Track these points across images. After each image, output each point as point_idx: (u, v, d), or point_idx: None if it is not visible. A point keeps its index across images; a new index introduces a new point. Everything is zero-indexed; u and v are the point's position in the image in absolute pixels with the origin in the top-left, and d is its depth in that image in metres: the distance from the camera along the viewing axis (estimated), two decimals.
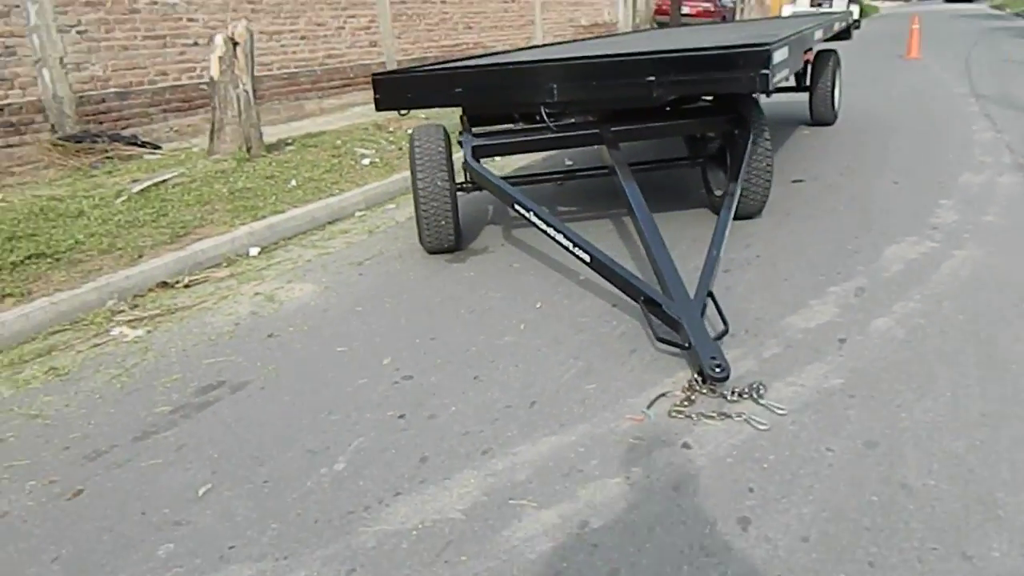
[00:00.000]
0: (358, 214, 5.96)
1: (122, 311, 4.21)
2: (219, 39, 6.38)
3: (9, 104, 7.08)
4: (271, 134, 8.52)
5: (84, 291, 4.28)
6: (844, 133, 7.54)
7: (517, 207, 3.86)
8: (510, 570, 1.95)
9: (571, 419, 2.64)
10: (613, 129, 4.15)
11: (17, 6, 7.08)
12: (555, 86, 4.12)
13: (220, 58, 6.38)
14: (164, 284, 4.59)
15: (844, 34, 8.38)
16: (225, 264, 4.91)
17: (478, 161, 4.10)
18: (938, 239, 4.21)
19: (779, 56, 3.88)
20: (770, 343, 3.10)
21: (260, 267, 4.81)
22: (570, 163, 7.14)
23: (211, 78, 6.58)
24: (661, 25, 21.02)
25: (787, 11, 30.17)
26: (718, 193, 4.71)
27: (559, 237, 3.58)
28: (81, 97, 7.68)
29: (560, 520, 2.12)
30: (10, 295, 4.13)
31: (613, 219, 5.02)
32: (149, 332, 3.87)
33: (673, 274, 3.19)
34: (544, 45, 9.79)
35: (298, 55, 10.29)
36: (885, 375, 2.77)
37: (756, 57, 3.72)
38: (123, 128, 8.05)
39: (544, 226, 3.66)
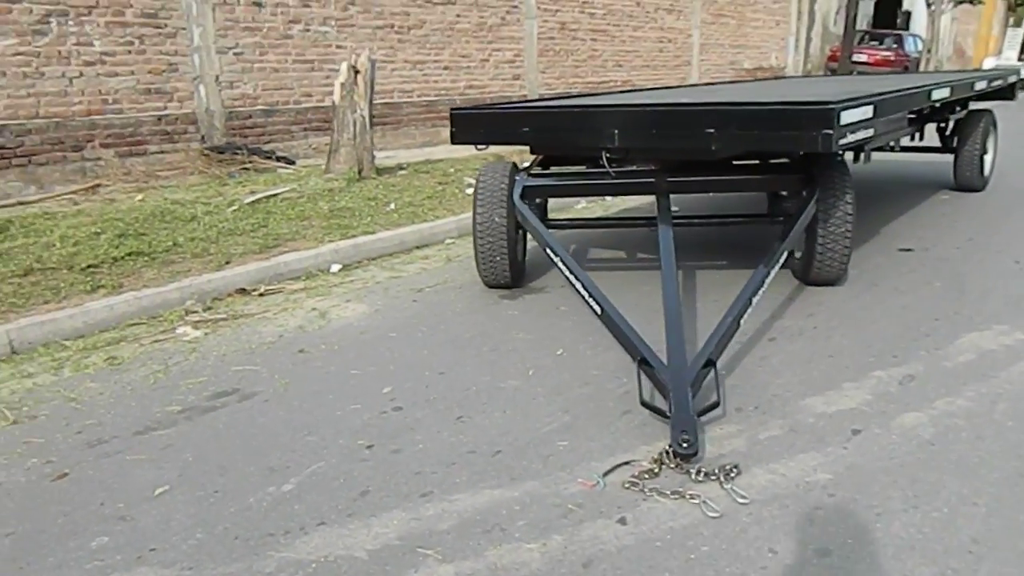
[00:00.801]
0: (448, 241, 6.10)
1: (195, 312, 4.54)
2: (344, 67, 6.79)
3: (167, 115, 7.88)
4: (401, 158, 8.95)
5: (167, 290, 4.67)
6: (988, 202, 6.85)
7: (547, 250, 3.81)
8: None
9: (525, 474, 2.56)
10: (669, 179, 4.01)
11: (183, 28, 7.88)
12: (616, 132, 4.05)
13: (342, 84, 6.78)
14: (242, 291, 4.91)
15: (1007, 92, 7.64)
16: (304, 278, 5.18)
17: (527, 201, 4.08)
18: None
19: (852, 116, 3.61)
20: (774, 424, 2.86)
21: (333, 284, 5.03)
22: (676, 209, 6.96)
23: (333, 103, 7.00)
24: (833, 72, 20.06)
25: (989, 64, 27.89)
26: (797, 255, 4.43)
27: (578, 285, 3.51)
28: (231, 112, 8.40)
29: None
30: (103, 287, 4.57)
31: (685, 272, 4.85)
32: (206, 334, 4.15)
33: (676, 336, 3.03)
34: (672, 87, 9.62)
35: (439, 84, 10.72)
36: (882, 477, 2.48)
37: (820, 116, 3.48)
38: (266, 143, 8.72)
39: (567, 272, 3.60)
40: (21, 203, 6.63)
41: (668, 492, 2.40)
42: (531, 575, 2.06)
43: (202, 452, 2.81)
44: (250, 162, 8.18)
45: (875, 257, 5.12)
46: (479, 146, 4.76)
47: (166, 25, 7.76)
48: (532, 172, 4.29)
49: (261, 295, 4.87)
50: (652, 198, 4.15)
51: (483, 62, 11.38)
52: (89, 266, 4.76)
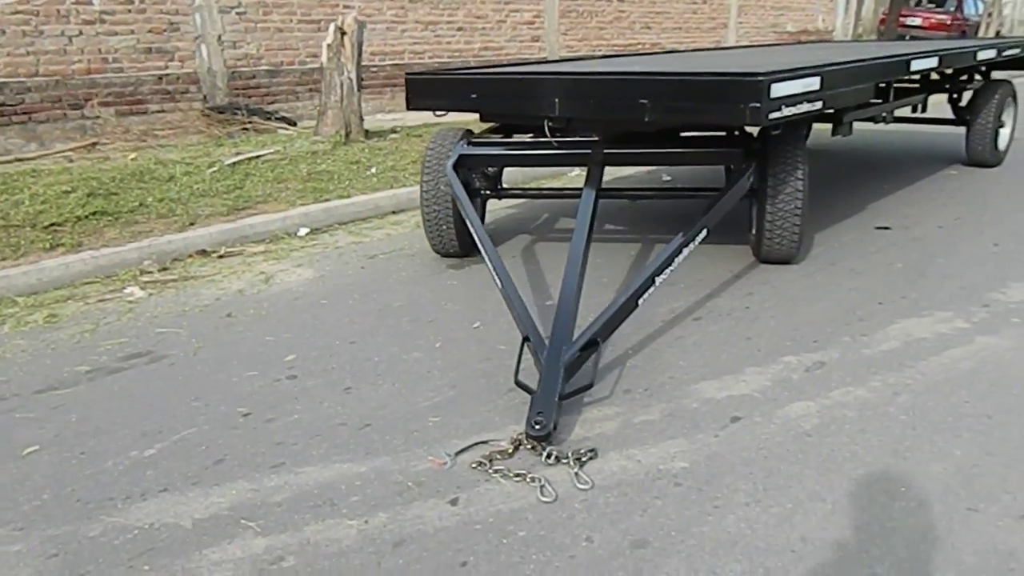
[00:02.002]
0: None
1: (150, 272, 4.62)
2: (331, 28, 6.75)
3: (168, 74, 7.96)
4: (408, 120, 8.87)
5: (126, 249, 4.76)
6: (998, 179, 6.50)
7: (466, 220, 3.76)
8: None
9: (382, 449, 2.56)
10: (605, 151, 3.89)
11: None
12: (557, 100, 3.93)
13: (328, 46, 6.74)
14: (203, 252, 4.97)
15: None
16: (268, 241, 5.23)
17: (468, 169, 3.98)
18: (976, 320, 3.54)
19: (786, 88, 3.43)
20: (655, 408, 2.78)
21: (294, 248, 5.06)
22: (667, 179, 6.80)
23: (321, 64, 6.97)
24: (883, 35, 19.18)
25: None
26: (753, 232, 4.28)
27: (486, 259, 3.44)
28: (233, 72, 8.45)
29: (263, 551, 2.07)
30: (62, 245, 4.68)
31: (646, 245, 4.74)
32: (150, 295, 4.22)
33: (566, 314, 2.95)
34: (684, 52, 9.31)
35: (452, 46, 10.60)
36: (740, 469, 2.40)
37: (747, 88, 3.32)
38: (270, 104, 8.76)
39: (478, 243, 3.54)
40: (19, 159, 6.81)
41: (512, 474, 2.36)
42: (339, 552, 2.06)
43: (88, 413, 2.87)
44: (250, 123, 8.24)
45: (846, 234, 4.92)
46: (436, 113, 4.68)
47: None
48: (473, 140, 4.20)
49: (220, 257, 4.92)
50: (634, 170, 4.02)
51: (499, 23, 11.19)
52: (52, 224, 4.87)
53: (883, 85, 4.64)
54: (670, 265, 3.25)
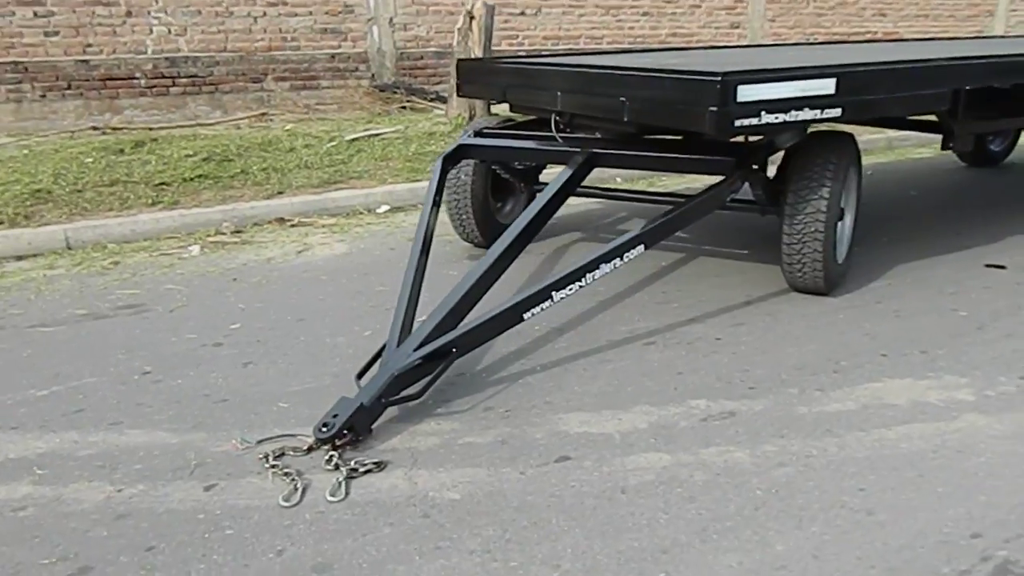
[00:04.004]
0: None
1: (222, 234, 5.11)
2: (464, 13, 6.88)
3: (340, 53, 8.61)
4: None
5: (211, 211, 5.29)
6: None
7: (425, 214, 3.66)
8: None
9: (209, 425, 2.64)
10: (594, 150, 3.57)
11: None
12: (559, 94, 3.72)
13: (459, 30, 6.87)
14: (280, 220, 5.39)
15: None
16: (346, 215, 5.53)
17: (449, 162, 3.85)
18: (991, 393, 2.81)
19: (762, 92, 2.93)
20: (492, 432, 2.57)
21: (360, 224, 5.31)
22: (870, 172, 6.23)
23: (451, 47, 7.13)
24: None
25: None
26: None
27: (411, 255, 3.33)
28: (402, 53, 8.92)
29: (19, 498, 2.25)
30: (161, 202, 5.31)
31: (662, 252, 4.35)
32: (204, 253, 4.68)
33: (436, 316, 2.80)
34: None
35: (635, 31, 10.27)
36: (506, 513, 2.16)
37: (706, 89, 2.89)
38: (436, 84, 9.14)
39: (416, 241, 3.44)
40: (200, 124, 7.78)
41: (282, 472, 2.33)
42: (72, 513, 2.18)
43: (39, 351, 3.27)
44: (409, 101, 8.66)
45: (936, 269, 4.12)
46: (494, 101, 4.62)
47: None
48: (481, 131, 4.08)
49: (293, 226, 5.30)
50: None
51: (693, 8, 10.62)
52: (161, 183, 5.54)
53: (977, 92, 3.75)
54: (578, 281, 2.94)
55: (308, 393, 2.86)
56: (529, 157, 3.95)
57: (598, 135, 3.83)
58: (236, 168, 5.89)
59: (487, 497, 2.23)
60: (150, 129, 7.31)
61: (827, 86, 3.07)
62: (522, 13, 9.48)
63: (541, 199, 3.36)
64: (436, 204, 3.49)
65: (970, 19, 13.30)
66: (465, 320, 2.88)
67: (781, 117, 3.00)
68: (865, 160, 7.56)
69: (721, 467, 2.37)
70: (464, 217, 4.39)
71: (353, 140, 6.75)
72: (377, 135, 6.92)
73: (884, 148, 7.92)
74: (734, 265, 4.22)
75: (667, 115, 3.14)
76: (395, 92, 8.67)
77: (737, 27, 11.06)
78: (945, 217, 5.21)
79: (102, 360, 3.17)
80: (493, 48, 8.92)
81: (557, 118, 3.87)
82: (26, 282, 4.13)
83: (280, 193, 5.63)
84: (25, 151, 6.41)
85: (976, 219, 5.10)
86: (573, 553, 2.00)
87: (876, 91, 3.27)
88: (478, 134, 4.05)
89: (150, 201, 5.31)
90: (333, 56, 8.59)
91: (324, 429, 2.40)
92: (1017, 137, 6.81)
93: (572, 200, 5.45)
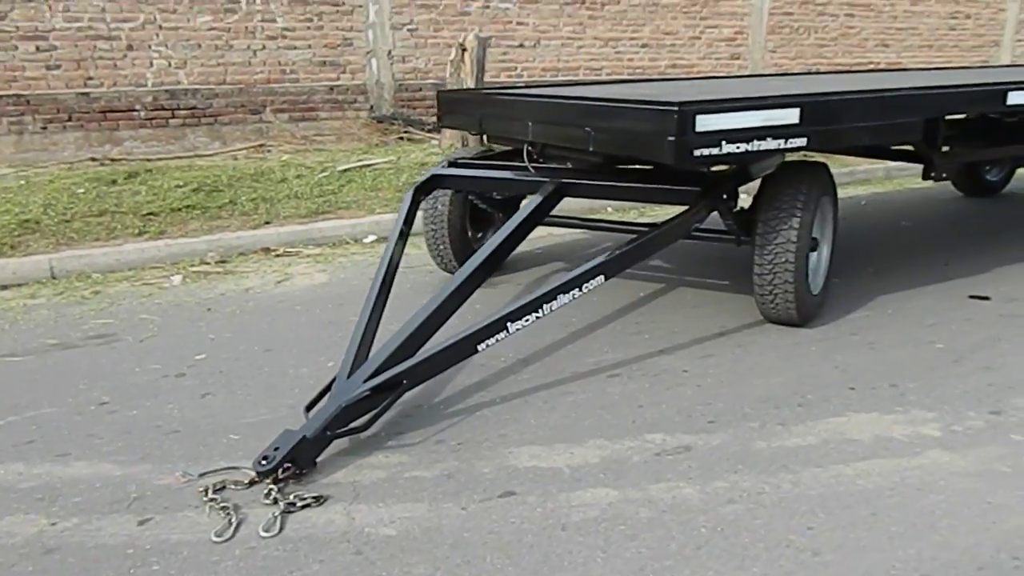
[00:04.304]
0: None
1: (206, 264, 5.12)
2: (456, 46, 6.94)
3: (339, 85, 8.69)
4: None
5: (197, 241, 5.32)
6: None
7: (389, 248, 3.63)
8: None
9: (156, 457, 2.61)
10: (563, 180, 3.55)
11: (360, 6, 8.60)
12: (530, 124, 3.71)
13: (451, 62, 6.93)
14: (266, 250, 5.40)
15: None
16: (332, 244, 5.53)
17: (420, 193, 3.85)
18: (958, 428, 2.73)
19: (723, 122, 2.91)
20: (440, 466, 2.53)
21: (344, 254, 5.31)
22: (863, 203, 6.27)
23: (444, 80, 7.18)
24: None
25: None
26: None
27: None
28: (400, 84, 9.00)
29: None
30: (148, 232, 5.34)
31: (643, 282, 4.31)
32: (184, 283, 4.68)
33: (390, 346, 2.77)
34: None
35: (634, 63, 10.31)
36: (440, 550, 2.10)
37: (663, 118, 2.87)
38: (434, 115, 9.18)
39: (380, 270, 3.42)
40: (198, 155, 7.85)
41: (219, 506, 2.29)
42: (1, 547, 2.15)
43: (4, 381, 3.27)
44: (407, 132, 8.71)
45: (916, 301, 4.05)
46: (472, 132, 4.64)
47: (344, 3, 8.51)
48: (455, 161, 4.08)
49: (278, 256, 5.31)
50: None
51: (692, 40, 10.66)
52: (149, 213, 5.57)
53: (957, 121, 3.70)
54: (535, 311, 2.90)
55: (261, 425, 2.82)
56: (500, 187, 3.94)
57: (569, 165, 3.82)
58: (225, 198, 5.93)
59: (423, 533, 2.18)
60: (148, 160, 7.39)
61: (791, 116, 3.05)
62: (520, 45, 9.55)
63: (506, 228, 3.34)
64: (403, 235, 3.48)
65: (975, 49, 13.28)
66: (421, 350, 2.84)
67: (743, 147, 2.97)
68: (862, 190, 7.57)
69: (668, 504, 2.30)
70: (442, 247, 4.38)
71: (345, 171, 6.78)
72: (369, 165, 6.95)
73: (882, 178, 7.87)
74: (712, 296, 4.17)
75: (629, 145, 3.12)
76: (393, 123, 8.73)
77: (737, 58, 11.09)
78: (935, 248, 5.14)
79: (63, 390, 3.16)
80: (490, 80, 9.00)
81: (529, 148, 3.87)
82: (4, 311, 4.15)
83: (267, 223, 5.65)
84: (21, 182, 6.48)
85: (967, 250, 5.03)
86: None
87: (843, 120, 3.23)
88: (452, 164, 4.05)
89: (137, 231, 5.34)
90: (332, 88, 8.67)
91: (264, 462, 2.37)
92: (1015, 167, 6.74)
93: (558, 231, 5.46)
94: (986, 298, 4.06)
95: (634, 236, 3.24)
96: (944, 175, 4.08)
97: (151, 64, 7.85)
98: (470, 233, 4.46)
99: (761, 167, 3.72)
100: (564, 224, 4.26)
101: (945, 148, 4.12)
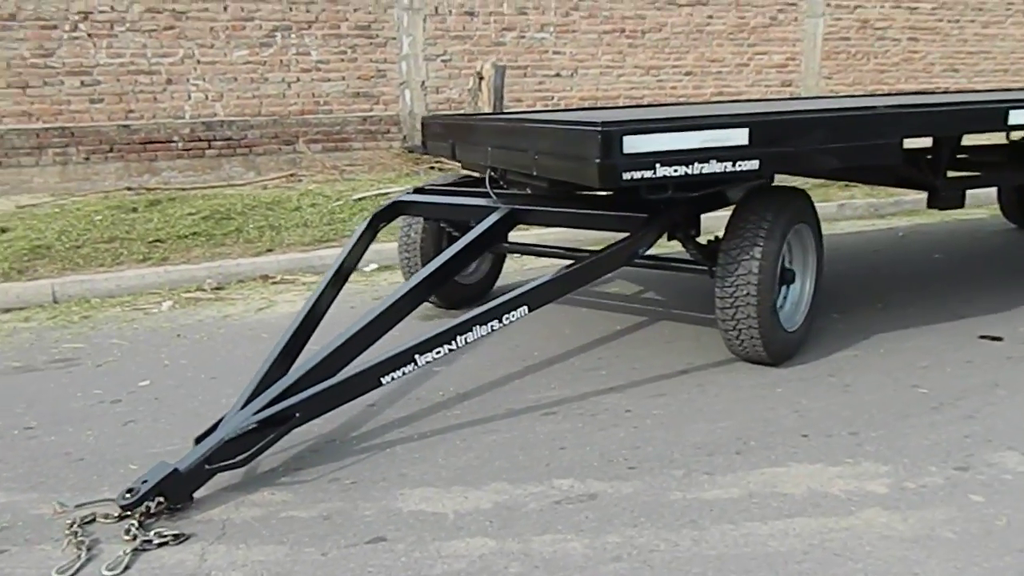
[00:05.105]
0: None
1: (201, 290, 5.17)
2: (474, 74, 6.90)
3: (372, 116, 8.79)
4: None
5: (197, 267, 5.38)
6: None
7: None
8: None
9: (54, 486, 2.55)
10: (515, 206, 3.38)
11: (394, 38, 8.70)
12: (489, 149, 3.58)
13: (468, 90, 6.89)
14: (265, 277, 5.42)
15: None
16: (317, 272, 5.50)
17: (379, 219, 3.76)
18: (913, 485, 2.41)
19: (665, 142, 2.70)
20: (324, 506, 2.38)
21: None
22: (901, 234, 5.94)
23: (463, 109, 7.13)
24: None
25: None
26: None
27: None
28: (434, 115, 9.02)
29: None
30: (151, 259, 5.44)
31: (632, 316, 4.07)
32: (172, 310, 4.72)
33: (294, 375, 2.64)
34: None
35: (677, 90, 10.07)
36: None
37: (589, 140, 2.68)
38: None
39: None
40: (231, 184, 8.03)
41: (77, 541, 2.20)
42: None
43: None
44: (438, 161, 8.70)
45: (914, 340, 3.68)
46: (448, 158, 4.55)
47: (378, 36, 8.63)
48: (421, 188, 3.97)
49: (275, 283, 5.31)
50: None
51: (740, 67, 10.34)
52: (155, 240, 5.68)
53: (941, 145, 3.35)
54: (447, 343, 2.73)
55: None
56: (457, 214, 3.80)
57: (528, 191, 3.66)
58: (232, 226, 5.99)
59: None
60: (183, 190, 7.58)
61: (738, 136, 2.81)
62: (557, 75, 9.46)
63: (447, 253, 3.20)
64: (339, 269, 3.38)
65: None
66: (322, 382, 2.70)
67: (682, 170, 2.75)
68: (905, 221, 7.09)
69: (545, 558, 2.09)
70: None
71: (359, 199, 6.79)
72: (385, 194, 6.93)
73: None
74: (691, 330, 3.91)
75: (563, 168, 2.94)
76: (425, 153, 8.73)
77: (789, 85, 10.70)
78: (959, 283, 4.71)
79: (13, 407, 3.17)
80: (525, 109, 8.93)
81: (492, 174, 3.73)
82: None
83: (269, 251, 5.67)
84: (55, 210, 6.73)
85: (994, 287, 4.58)
86: None
87: (802, 143, 2.96)
88: (418, 191, 3.95)
89: (141, 257, 5.44)
90: (365, 119, 8.77)
91: (128, 495, 2.27)
92: None
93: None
94: (998, 339, 3.66)
95: (568, 264, 3.04)
96: (952, 203, 3.72)
97: (189, 97, 8.11)
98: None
99: (736, 192, 3.47)
100: (522, 251, 4.10)
101: (954, 173, 3.77)
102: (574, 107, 9.12)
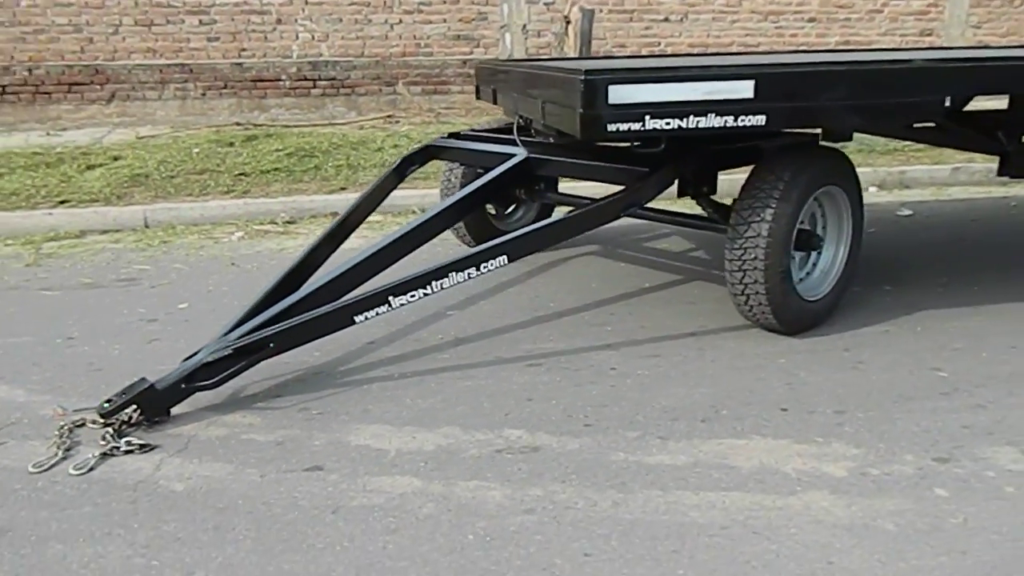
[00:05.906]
0: None
1: (274, 223, 5.46)
2: (561, 17, 6.76)
3: (471, 59, 8.80)
4: None
5: (273, 201, 5.68)
6: None
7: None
8: None
9: (65, 390, 2.83)
10: (533, 155, 3.32)
11: None
12: (516, 95, 3.55)
13: (555, 34, 6.76)
14: (334, 214, 5.64)
15: None
16: (396, 213, 5.68)
17: (409, 162, 3.79)
18: (877, 473, 2.26)
19: (655, 94, 2.58)
20: (281, 432, 2.51)
21: (401, 221, 5.41)
22: (909, 213, 5.33)
23: (549, 53, 7.00)
24: None
25: None
26: None
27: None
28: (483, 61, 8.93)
29: None
30: (234, 191, 5.79)
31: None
32: (240, 239, 5.04)
33: (283, 303, 2.76)
34: None
35: (797, 38, 9.45)
36: (200, 512, 2.10)
37: (572, 88, 2.59)
38: None
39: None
40: (333, 123, 8.34)
41: (59, 440, 2.43)
42: None
43: (15, 311, 3.69)
44: None
45: (975, 320, 3.38)
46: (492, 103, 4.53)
47: None
48: (456, 133, 3.96)
49: None
50: None
51: (872, 13, 9.53)
52: (240, 174, 6.01)
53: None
54: (422, 288, 2.75)
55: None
56: (481, 160, 3.77)
57: (551, 140, 3.59)
58: (312, 164, 6.24)
59: (203, 495, 2.19)
60: (287, 127, 7.95)
61: (743, 89, 2.63)
62: (666, 19, 9.08)
63: (459, 193, 3.24)
64: (361, 201, 3.47)
65: None
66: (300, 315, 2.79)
67: (675, 123, 2.61)
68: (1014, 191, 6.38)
69: (459, 503, 2.13)
70: (458, 225, 4.31)
71: None
72: None
73: None
74: (722, 293, 3.75)
75: (558, 117, 2.86)
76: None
77: (929, 34, 9.77)
78: None
79: (52, 324, 3.51)
80: (627, 55, 8.65)
81: (520, 122, 3.69)
82: (82, 252, 4.68)
83: (343, 189, 5.88)
84: (170, 141, 7.25)
85: None
86: (215, 562, 1.91)
87: (817, 98, 2.73)
88: (452, 136, 3.97)
89: (225, 189, 5.79)
90: (464, 62, 8.80)
91: (107, 405, 2.49)
92: None
93: None
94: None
95: (569, 213, 2.99)
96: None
97: (297, 37, 8.42)
98: (491, 209, 4.36)
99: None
100: (571, 203, 4.03)
101: None
102: (671, 53, 8.77)
